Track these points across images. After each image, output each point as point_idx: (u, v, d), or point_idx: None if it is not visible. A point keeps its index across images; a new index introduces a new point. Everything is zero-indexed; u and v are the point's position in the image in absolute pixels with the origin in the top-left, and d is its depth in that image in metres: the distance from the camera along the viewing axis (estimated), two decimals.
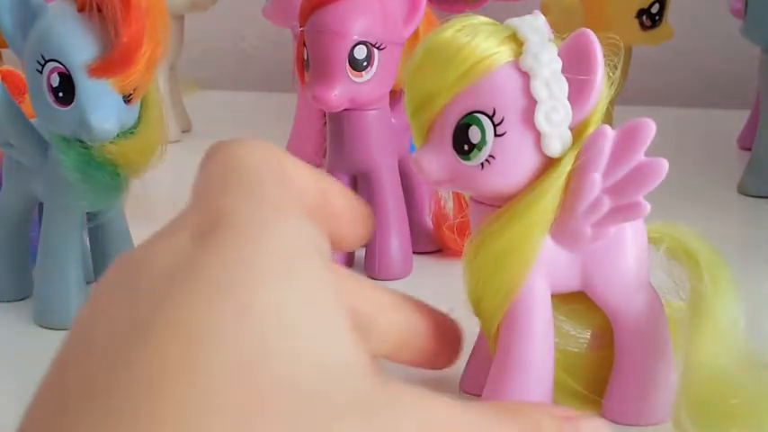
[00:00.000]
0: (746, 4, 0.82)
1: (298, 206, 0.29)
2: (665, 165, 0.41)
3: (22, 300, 0.59)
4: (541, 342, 0.43)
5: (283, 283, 0.25)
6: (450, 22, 0.43)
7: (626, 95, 0.83)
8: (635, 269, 0.44)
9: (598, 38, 0.41)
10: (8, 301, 0.59)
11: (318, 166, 0.88)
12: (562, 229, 0.42)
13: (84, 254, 0.57)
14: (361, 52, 0.59)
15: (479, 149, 0.42)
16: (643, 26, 0.79)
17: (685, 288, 0.44)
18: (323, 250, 0.29)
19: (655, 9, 0.79)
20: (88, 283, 0.57)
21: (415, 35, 0.66)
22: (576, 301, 0.46)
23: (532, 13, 0.43)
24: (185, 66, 1.07)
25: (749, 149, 0.85)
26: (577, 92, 0.41)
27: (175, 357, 0.23)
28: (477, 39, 0.42)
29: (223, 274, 0.25)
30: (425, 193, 0.68)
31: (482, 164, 0.42)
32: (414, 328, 0.37)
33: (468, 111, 0.42)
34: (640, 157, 0.41)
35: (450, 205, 0.69)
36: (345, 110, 0.61)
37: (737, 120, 0.96)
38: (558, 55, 0.41)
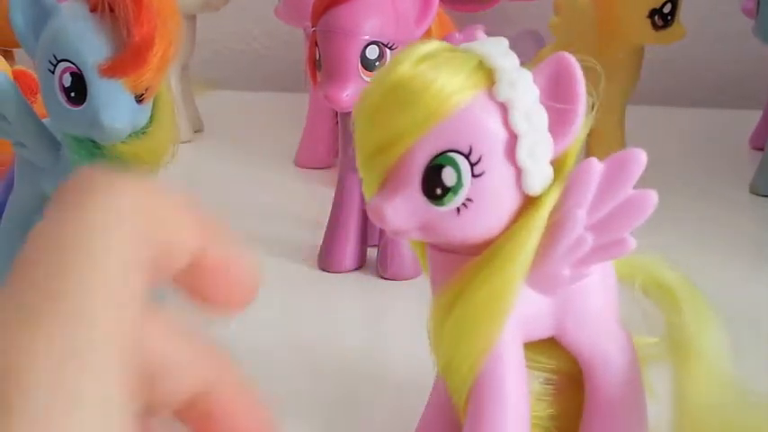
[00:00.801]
0: (758, 3, 0.82)
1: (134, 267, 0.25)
2: (653, 198, 0.37)
3: None
4: (515, 408, 0.40)
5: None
6: (403, 53, 0.38)
7: (638, 95, 0.83)
8: (604, 309, 0.41)
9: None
10: None
11: (331, 166, 0.88)
12: (539, 273, 0.38)
13: None
14: (373, 52, 0.60)
15: (455, 193, 0.37)
16: (655, 26, 0.79)
17: (657, 322, 0.42)
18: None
19: (667, 9, 0.79)
20: None
21: (428, 35, 0.66)
22: (545, 350, 0.43)
23: (494, 38, 0.39)
24: (197, 66, 1.07)
25: (761, 149, 0.85)
26: (558, 122, 0.37)
27: None
28: (443, 72, 0.37)
29: None
30: None
31: (458, 208, 0.37)
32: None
33: (441, 150, 0.37)
34: (628, 191, 0.37)
35: None
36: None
37: (749, 120, 0.96)
38: (534, 81, 0.37)
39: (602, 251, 0.38)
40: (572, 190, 0.37)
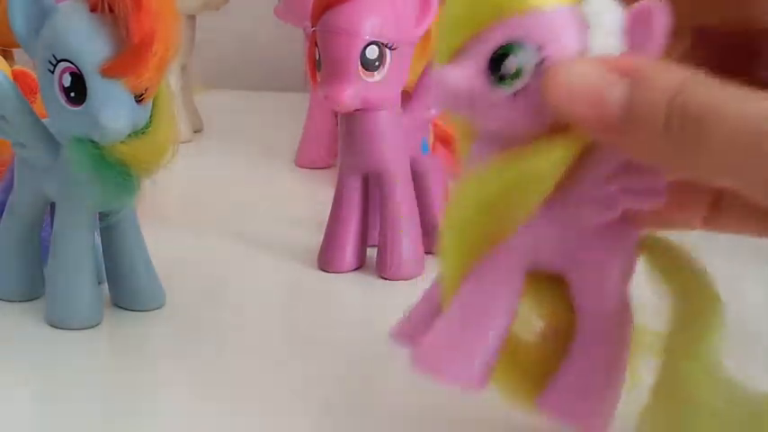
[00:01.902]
0: None
1: None
2: None
3: (33, 300, 0.59)
4: (504, 306, 0.41)
5: None
6: None
7: None
8: (621, 269, 0.42)
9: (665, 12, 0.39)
10: (20, 301, 0.59)
11: (330, 166, 0.88)
12: (568, 196, 0.40)
13: (95, 254, 0.57)
14: (372, 52, 0.59)
15: (513, 79, 0.39)
16: None
17: (663, 308, 0.42)
18: None
19: None
20: (100, 283, 0.57)
21: (427, 35, 0.65)
22: (553, 289, 0.43)
23: None
24: (197, 66, 1.07)
25: None
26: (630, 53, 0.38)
27: None
28: None
29: None
30: (437, 194, 0.68)
31: (514, 94, 0.39)
32: None
33: (516, 39, 0.39)
34: None
35: None
36: (357, 110, 0.61)
37: None
38: (625, 15, 0.39)
39: (633, 195, 0.39)
40: None
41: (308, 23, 0.62)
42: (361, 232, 0.65)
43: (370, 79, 0.60)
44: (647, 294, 0.42)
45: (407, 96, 0.65)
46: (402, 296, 0.62)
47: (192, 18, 0.98)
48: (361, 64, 0.59)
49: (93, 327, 0.56)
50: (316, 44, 0.61)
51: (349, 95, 0.59)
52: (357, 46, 0.59)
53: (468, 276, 0.41)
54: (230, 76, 1.26)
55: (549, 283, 0.43)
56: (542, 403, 0.43)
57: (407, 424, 0.47)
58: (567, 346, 0.43)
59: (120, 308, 0.58)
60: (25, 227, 0.59)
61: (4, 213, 0.59)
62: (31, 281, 0.60)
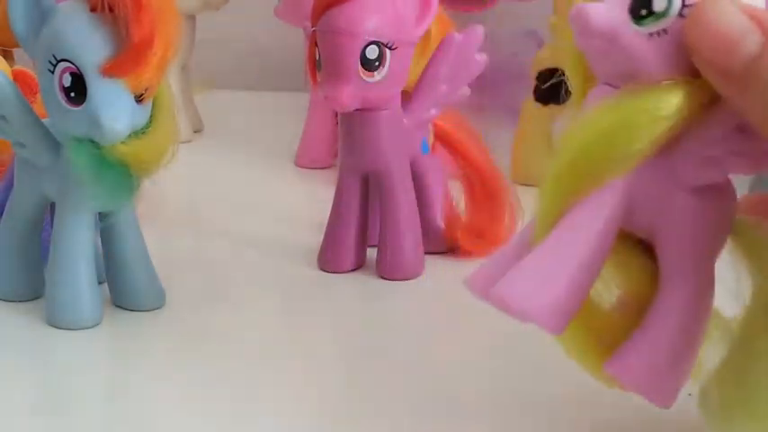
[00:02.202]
0: None
1: None
2: None
3: (34, 300, 0.59)
4: (598, 248, 0.39)
5: None
6: None
7: None
8: (711, 245, 0.41)
9: None
10: (20, 301, 0.59)
11: (330, 166, 0.88)
12: (676, 152, 0.39)
13: (95, 254, 0.57)
14: (372, 52, 0.59)
15: (658, 18, 0.38)
16: None
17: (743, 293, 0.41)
18: None
19: None
20: (100, 283, 0.57)
21: (427, 35, 0.66)
22: (633, 254, 0.43)
23: None
24: (197, 66, 1.07)
25: None
26: None
27: None
28: None
29: None
30: (437, 194, 0.68)
31: (652, 34, 0.38)
32: None
33: None
34: None
35: (461, 206, 0.69)
36: (357, 110, 0.61)
37: None
38: None
39: (740, 158, 0.39)
40: None
41: (308, 23, 0.62)
42: (361, 232, 0.65)
43: (370, 79, 0.60)
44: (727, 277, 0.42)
45: (407, 96, 0.65)
46: (402, 296, 0.63)
47: (192, 18, 0.98)
48: (362, 64, 0.59)
49: (93, 327, 0.56)
50: (316, 44, 0.61)
51: (349, 95, 0.59)
52: (357, 46, 0.59)
53: (563, 218, 0.39)
54: (230, 76, 1.26)
55: (636, 251, 0.42)
56: (611, 368, 0.42)
57: (408, 424, 0.48)
58: (642, 316, 0.42)
59: (120, 308, 0.58)
60: (25, 227, 0.59)
61: (4, 213, 0.59)
62: (31, 281, 0.60)
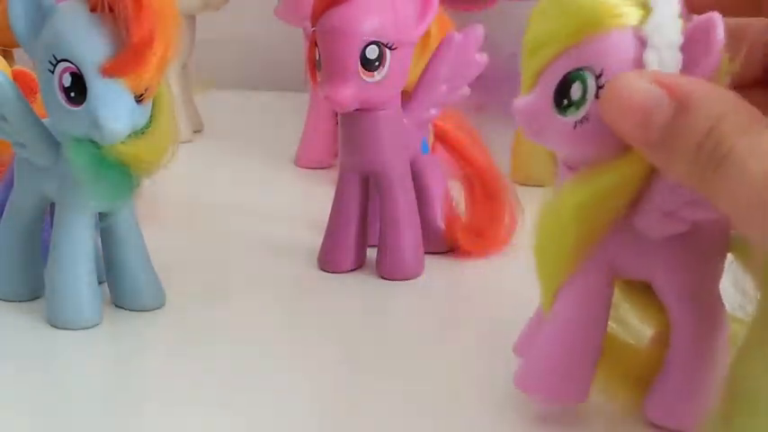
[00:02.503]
0: None
1: None
2: None
3: (33, 300, 0.59)
4: (595, 318, 0.43)
5: None
6: None
7: None
8: (705, 271, 0.43)
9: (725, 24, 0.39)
10: (20, 301, 0.59)
11: (331, 166, 0.88)
12: (639, 212, 0.41)
13: (95, 254, 0.57)
14: (372, 52, 0.59)
15: (577, 108, 0.40)
16: None
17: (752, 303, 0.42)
18: None
19: None
20: (100, 283, 0.57)
21: (427, 35, 0.66)
22: (649, 296, 0.45)
23: None
24: (197, 66, 1.07)
25: None
26: (689, 73, 0.40)
27: None
28: None
29: None
30: (437, 194, 0.68)
31: (575, 124, 0.41)
32: None
33: (577, 67, 0.40)
34: None
35: (461, 206, 0.69)
36: (357, 110, 0.61)
37: None
38: (683, 33, 0.40)
39: (698, 206, 0.40)
40: None
41: (308, 23, 0.62)
42: (361, 232, 0.65)
43: (370, 79, 0.60)
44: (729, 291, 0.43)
45: (407, 96, 0.65)
46: (402, 296, 0.63)
47: (191, 18, 0.98)
48: (362, 64, 0.59)
49: (93, 327, 0.56)
50: (315, 44, 0.61)
51: (349, 95, 0.59)
52: (357, 46, 0.59)
53: (561, 291, 0.44)
54: (230, 76, 1.26)
55: (644, 290, 0.45)
56: (647, 410, 0.45)
57: (407, 423, 0.47)
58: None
59: (120, 308, 0.58)
60: (25, 227, 0.59)
61: (5, 213, 0.59)
62: (31, 281, 0.60)
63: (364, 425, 0.47)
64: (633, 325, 0.47)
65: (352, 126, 0.63)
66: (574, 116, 0.41)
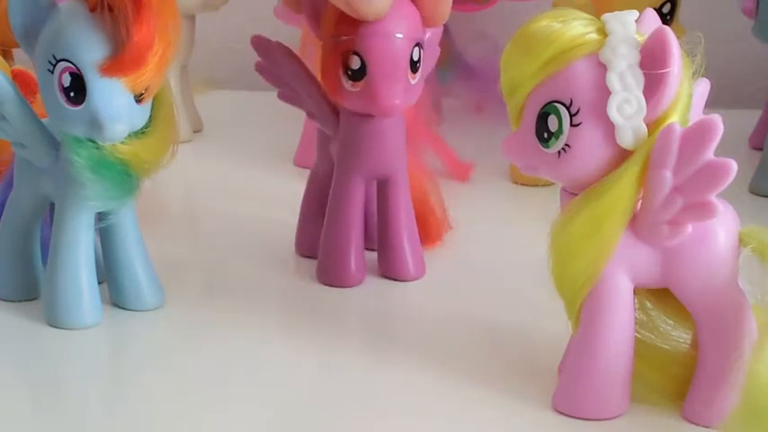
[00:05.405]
0: (758, 3, 0.82)
1: None
2: (732, 166, 0.41)
3: (33, 300, 0.59)
4: (619, 332, 0.45)
5: None
6: (550, 12, 0.45)
7: None
8: (720, 269, 0.44)
9: (678, 36, 0.42)
10: (19, 301, 0.59)
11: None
12: (641, 225, 0.43)
13: (95, 254, 0.57)
14: (416, 53, 0.59)
15: (556, 138, 0.43)
16: None
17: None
18: None
19: (666, 9, 0.78)
20: (100, 283, 0.57)
21: None
22: (677, 301, 0.46)
23: (629, 11, 0.44)
24: (197, 65, 1.07)
25: (761, 149, 0.85)
26: (653, 86, 0.42)
27: None
28: (565, 29, 0.43)
29: None
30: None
31: (559, 152, 0.44)
32: None
33: (549, 100, 0.43)
34: (709, 155, 0.42)
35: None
36: (362, 115, 0.60)
37: (749, 119, 0.96)
38: (640, 50, 0.42)
39: (691, 212, 0.42)
40: (657, 152, 0.42)
41: (326, 34, 0.60)
42: (362, 240, 0.64)
43: (412, 81, 0.59)
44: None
45: None
46: (402, 296, 0.63)
47: (191, 18, 0.98)
48: (409, 66, 0.59)
49: (93, 327, 0.56)
50: (345, 53, 0.59)
51: (400, 102, 0.59)
52: (408, 48, 0.58)
53: (584, 305, 0.45)
54: (230, 77, 1.26)
55: (671, 295, 0.46)
56: (685, 412, 0.46)
57: (408, 422, 0.48)
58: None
59: (120, 308, 0.58)
60: (25, 227, 0.59)
61: (4, 213, 0.59)
62: (31, 281, 0.60)
63: (364, 424, 0.47)
64: (667, 331, 0.48)
65: (356, 130, 0.62)
66: (555, 147, 0.44)
